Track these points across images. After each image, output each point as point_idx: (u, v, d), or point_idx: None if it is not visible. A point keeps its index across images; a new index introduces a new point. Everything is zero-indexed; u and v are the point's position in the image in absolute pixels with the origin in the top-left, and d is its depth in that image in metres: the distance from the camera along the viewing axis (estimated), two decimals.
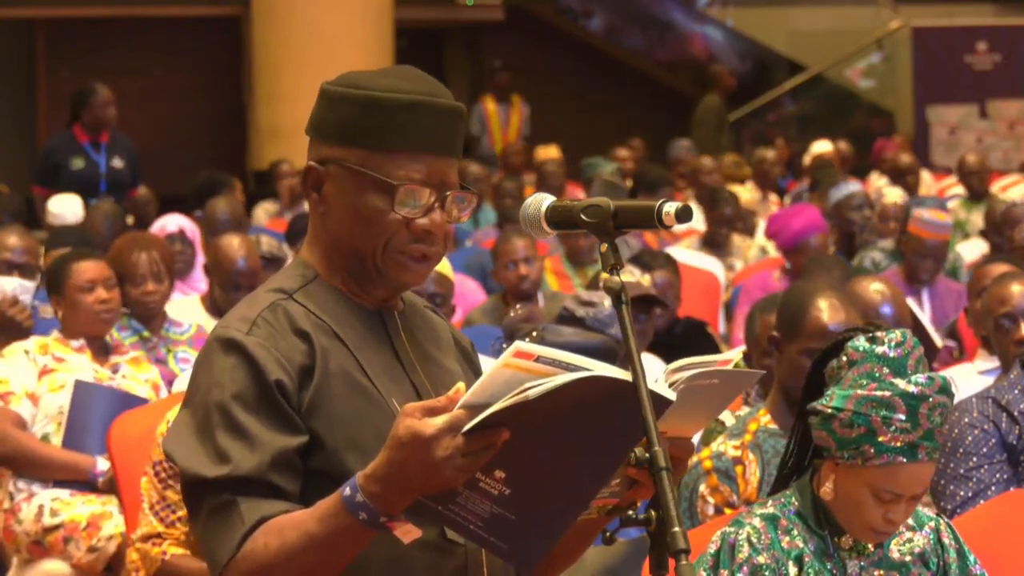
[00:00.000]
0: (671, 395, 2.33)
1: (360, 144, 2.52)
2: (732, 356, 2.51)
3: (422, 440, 2.24)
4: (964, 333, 6.75)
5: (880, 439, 3.08)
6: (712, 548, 3.17)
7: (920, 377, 3.10)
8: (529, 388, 2.19)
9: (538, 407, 2.20)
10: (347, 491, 2.31)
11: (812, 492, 3.22)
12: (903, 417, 3.07)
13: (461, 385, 2.29)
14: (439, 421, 2.25)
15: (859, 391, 3.10)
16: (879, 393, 3.09)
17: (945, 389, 3.12)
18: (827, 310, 4.03)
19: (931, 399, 3.09)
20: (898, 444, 3.08)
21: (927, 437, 3.09)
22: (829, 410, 3.12)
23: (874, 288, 4.98)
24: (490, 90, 15.84)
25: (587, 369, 2.22)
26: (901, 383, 3.09)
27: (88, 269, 5.67)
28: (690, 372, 2.42)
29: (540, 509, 2.33)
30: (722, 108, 16.40)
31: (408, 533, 2.33)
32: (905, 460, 3.09)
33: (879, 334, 3.15)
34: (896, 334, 3.15)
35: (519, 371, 2.22)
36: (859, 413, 3.09)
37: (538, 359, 2.21)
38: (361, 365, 2.52)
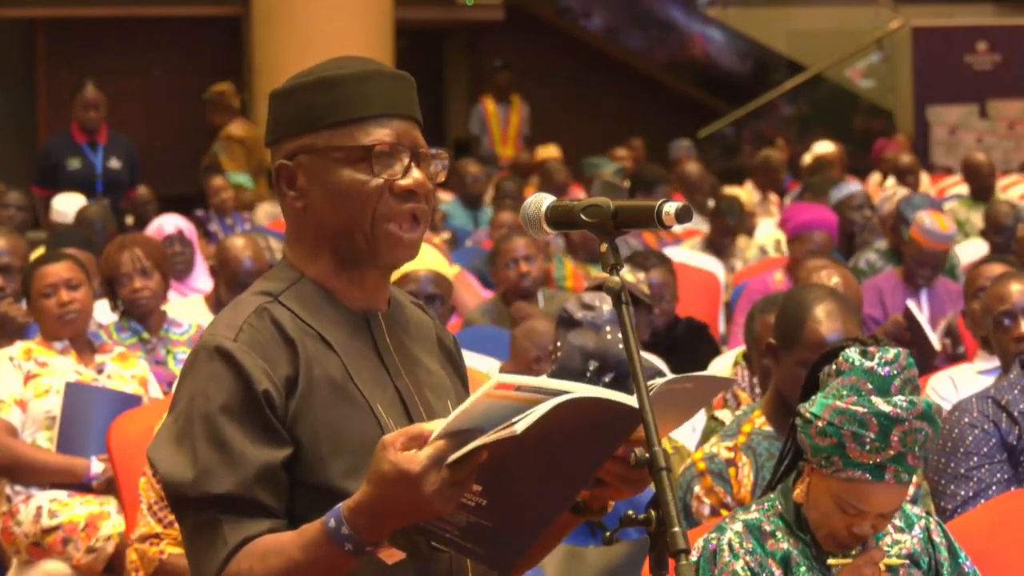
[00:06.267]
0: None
1: (324, 124, 2.52)
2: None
3: (410, 478, 2.23)
4: (963, 333, 6.76)
5: (849, 453, 3.08)
6: (693, 556, 3.17)
7: (901, 400, 3.09)
8: (516, 422, 2.17)
9: (523, 437, 2.20)
10: (331, 522, 2.29)
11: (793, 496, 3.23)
12: (873, 436, 3.06)
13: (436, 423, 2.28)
14: (423, 456, 2.23)
15: (838, 402, 3.10)
16: (855, 408, 3.08)
17: (926, 415, 3.09)
18: (825, 321, 3.94)
19: (907, 423, 3.07)
20: (866, 461, 3.07)
21: (897, 460, 3.07)
22: (808, 415, 3.13)
23: None
24: (490, 90, 15.83)
25: (568, 392, 2.21)
26: (879, 402, 3.08)
27: (48, 273, 5.64)
28: (665, 379, 2.43)
29: (516, 516, 2.32)
30: None
31: (392, 556, 2.33)
32: (871, 478, 3.08)
33: (872, 349, 3.14)
34: (890, 353, 3.13)
35: (500, 399, 2.21)
36: (832, 424, 3.09)
37: (518, 388, 2.21)
38: (347, 370, 2.49)
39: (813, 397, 3.15)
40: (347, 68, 2.54)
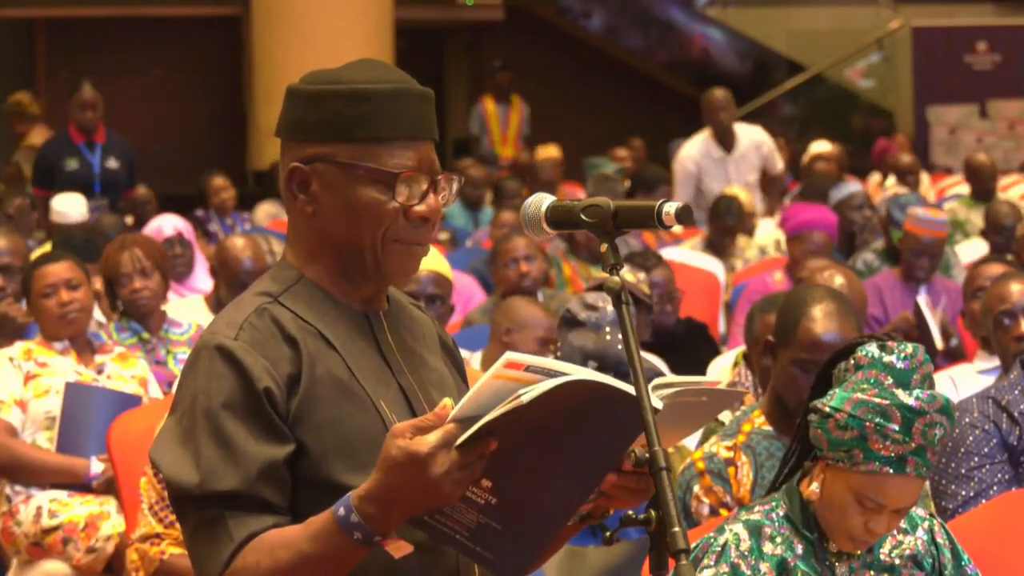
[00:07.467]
0: (657, 403, 2.33)
1: (349, 137, 2.51)
2: (721, 379, 2.53)
3: (418, 459, 2.24)
4: (963, 333, 6.76)
5: (871, 446, 3.08)
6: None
7: (922, 392, 3.10)
8: (522, 394, 2.19)
9: (530, 413, 2.20)
10: (341, 511, 2.30)
11: (800, 495, 3.22)
12: (896, 428, 3.07)
13: (448, 401, 2.28)
14: (432, 438, 2.24)
15: (859, 395, 3.10)
16: (878, 400, 3.08)
17: (945, 409, 3.10)
18: (820, 321, 3.93)
19: (928, 416, 3.08)
20: (888, 454, 3.08)
21: (918, 453, 3.08)
22: (827, 409, 3.13)
23: None
24: (490, 90, 15.83)
25: (577, 375, 2.22)
26: (901, 394, 3.08)
27: (48, 274, 5.64)
28: (676, 388, 2.42)
29: (525, 519, 2.32)
30: None
31: (400, 549, 2.33)
32: (892, 471, 3.08)
33: (890, 344, 3.15)
34: (908, 347, 3.14)
35: (510, 381, 2.21)
36: (854, 416, 3.09)
37: (528, 368, 2.21)
38: (349, 368, 2.50)
39: (831, 392, 3.15)
40: (378, 82, 2.53)
